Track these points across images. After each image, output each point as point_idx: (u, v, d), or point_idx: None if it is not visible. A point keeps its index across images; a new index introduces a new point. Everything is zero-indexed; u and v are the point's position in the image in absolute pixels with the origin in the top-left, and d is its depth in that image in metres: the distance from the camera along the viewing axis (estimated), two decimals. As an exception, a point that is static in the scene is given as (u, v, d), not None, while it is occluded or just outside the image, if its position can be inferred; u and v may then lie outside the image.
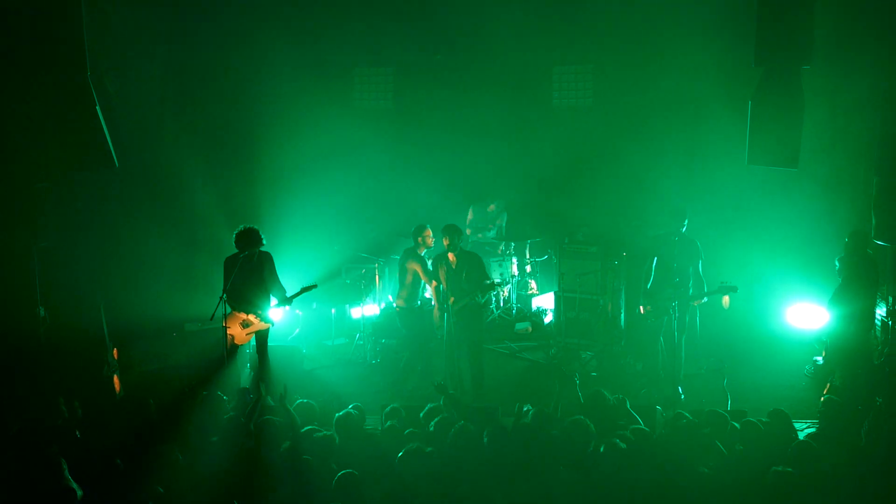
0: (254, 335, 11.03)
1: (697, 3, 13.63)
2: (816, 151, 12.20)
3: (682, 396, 11.29)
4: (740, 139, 10.73)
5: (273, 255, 10.98)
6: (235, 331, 10.77)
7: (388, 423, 8.77)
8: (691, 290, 11.30)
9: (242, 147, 15.18)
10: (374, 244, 14.76)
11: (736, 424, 8.36)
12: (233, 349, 10.88)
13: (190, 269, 14.03)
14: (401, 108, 16.28)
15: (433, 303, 11.89)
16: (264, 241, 10.76)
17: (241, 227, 10.74)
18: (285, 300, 10.82)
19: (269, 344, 11.17)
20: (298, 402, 9.22)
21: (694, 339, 11.73)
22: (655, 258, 11.54)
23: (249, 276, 10.69)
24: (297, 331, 14.34)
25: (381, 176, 15.62)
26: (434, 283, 11.69)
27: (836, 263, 10.70)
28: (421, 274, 11.73)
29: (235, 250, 10.72)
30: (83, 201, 12.92)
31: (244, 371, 11.83)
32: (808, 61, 10.13)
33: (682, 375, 11.51)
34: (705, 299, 11.33)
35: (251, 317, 10.79)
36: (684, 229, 11.38)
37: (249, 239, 10.64)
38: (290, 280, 11.17)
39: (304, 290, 10.78)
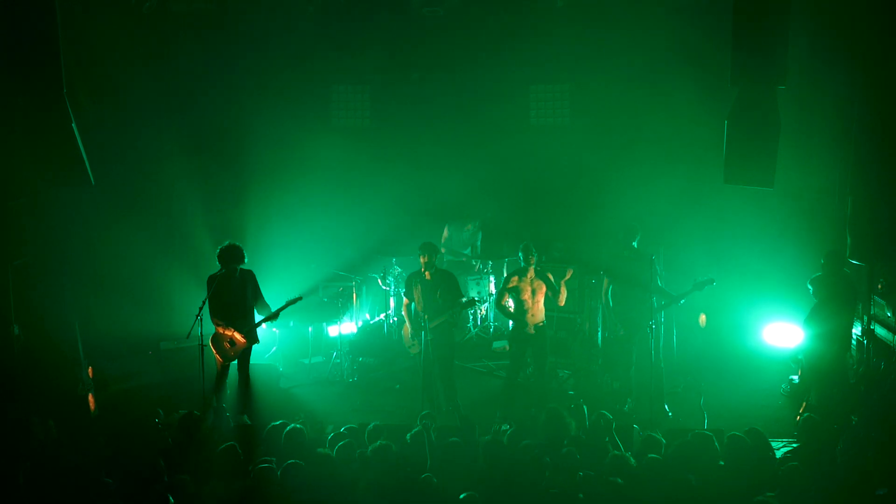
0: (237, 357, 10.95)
1: (674, 23, 13.66)
2: (792, 171, 12.22)
3: (670, 414, 11.30)
4: (717, 158, 10.76)
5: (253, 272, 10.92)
6: (221, 349, 10.71)
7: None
8: (655, 304, 11.21)
9: (220, 165, 15.10)
10: (350, 262, 14.74)
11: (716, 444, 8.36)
12: (224, 369, 10.85)
13: (167, 287, 13.94)
14: (378, 126, 16.23)
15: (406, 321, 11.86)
16: (246, 259, 10.69)
17: (225, 243, 10.66)
18: (271, 315, 10.76)
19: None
20: (280, 422, 9.12)
21: (671, 357, 11.72)
22: (608, 278, 11.58)
23: (232, 293, 10.64)
24: (274, 349, 14.30)
25: (359, 194, 15.54)
26: (406, 300, 11.69)
27: (809, 286, 10.72)
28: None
29: (215, 268, 10.64)
30: (58, 219, 12.86)
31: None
32: (783, 82, 10.14)
33: (666, 393, 11.55)
34: (682, 301, 11.24)
35: (236, 334, 10.72)
36: (635, 244, 11.39)
37: (232, 256, 10.57)
38: (268, 297, 11.04)
39: (289, 303, 10.75)
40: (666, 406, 11.35)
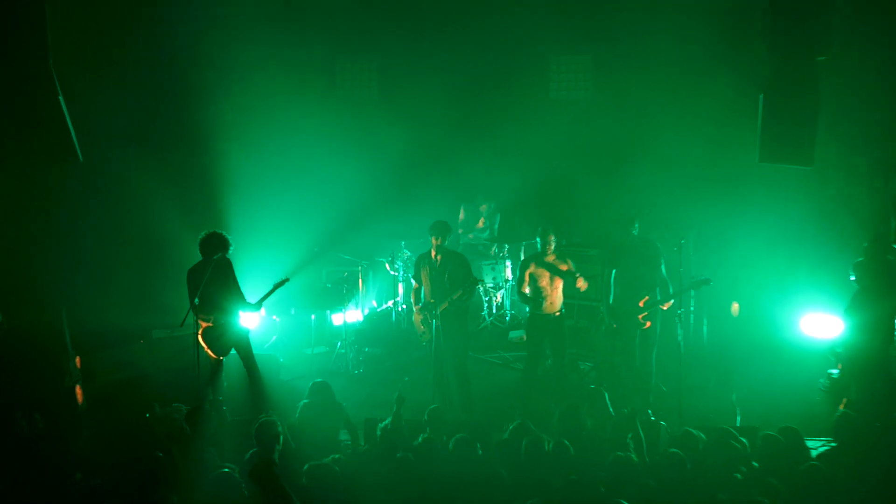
0: (233, 348, 10.62)
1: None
2: (831, 148, 11.78)
3: (653, 418, 10.79)
4: (750, 135, 10.34)
5: (251, 258, 10.69)
6: (210, 344, 10.43)
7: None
8: (658, 296, 10.90)
9: (219, 144, 14.69)
10: (357, 245, 14.55)
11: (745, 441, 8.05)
12: (218, 363, 10.58)
13: (157, 274, 13.66)
14: (387, 99, 16.05)
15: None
16: (231, 247, 10.46)
17: (205, 232, 10.42)
18: (251, 305, 10.53)
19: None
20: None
21: (700, 349, 11.27)
22: (614, 270, 11.17)
23: (213, 282, 10.25)
24: (275, 338, 14.08)
25: (366, 171, 15.09)
26: (416, 284, 11.37)
27: (851, 273, 10.35)
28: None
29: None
30: (43, 202, 12.72)
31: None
32: (825, 52, 9.70)
33: (653, 384, 11.26)
34: (672, 301, 10.90)
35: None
36: (636, 232, 11.04)
37: (214, 244, 10.34)
38: (270, 282, 10.68)
39: (276, 286, 10.48)
40: (650, 411, 10.85)
